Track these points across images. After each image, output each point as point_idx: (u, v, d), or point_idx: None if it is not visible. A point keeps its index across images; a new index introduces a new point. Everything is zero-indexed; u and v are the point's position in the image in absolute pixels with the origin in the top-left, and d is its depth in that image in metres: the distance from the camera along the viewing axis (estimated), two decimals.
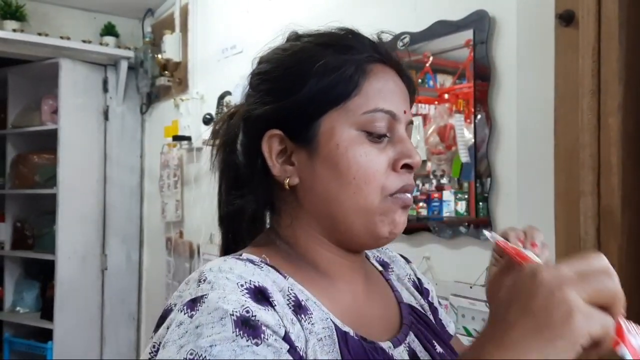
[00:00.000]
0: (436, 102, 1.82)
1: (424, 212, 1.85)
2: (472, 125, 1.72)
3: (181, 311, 0.60)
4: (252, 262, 0.67)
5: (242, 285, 0.62)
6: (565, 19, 1.38)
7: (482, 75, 1.70)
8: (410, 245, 1.92)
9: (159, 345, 0.61)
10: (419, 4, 1.93)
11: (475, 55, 1.71)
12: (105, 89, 3.77)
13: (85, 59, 3.67)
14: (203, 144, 3.15)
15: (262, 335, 0.58)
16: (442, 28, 1.81)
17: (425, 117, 1.85)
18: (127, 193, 3.87)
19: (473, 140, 1.71)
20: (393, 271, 0.90)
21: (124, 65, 3.72)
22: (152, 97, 3.83)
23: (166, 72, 3.50)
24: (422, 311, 0.86)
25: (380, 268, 0.88)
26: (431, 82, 1.84)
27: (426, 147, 1.84)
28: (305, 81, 0.72)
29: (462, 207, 1.75)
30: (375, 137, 0.72)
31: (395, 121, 0.73)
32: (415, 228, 1.88)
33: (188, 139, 3.24)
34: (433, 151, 1.83)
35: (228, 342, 0.56)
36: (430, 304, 0.91)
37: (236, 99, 2.46)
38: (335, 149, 0.71)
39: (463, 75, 1.75)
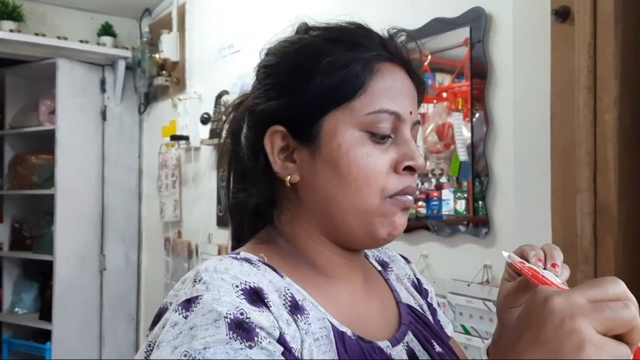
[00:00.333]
0: (435, 101, 1.82)
1: (423, 211, 1.85)
2: (470, 123, 1.72)
3: (176, 311, 0.60)
4: (248, 261, 0.67)
5: (237, 287, 0.61)
6: (561, 15, 1.38)
7: (479, 73, 1.70)
8: (408, 244, 1.91)
9: (155, 344, 0.60)
10: (415, 2, 1.92)
11: (473, 53, 1.70)
12: (103, 89, 3.77)
13: (83, 59, 3.67)
14: (201, 143, 3.15)
15: (256, 338, 0.58)
16: (439, 25, 1.81)
17: (423, 116, 1.85)
18: (125, 193, 3.87)
19: (470, 138, 1.71)
20: (392, 271, 0.90)
21: (121, 65, 3.72)
22: (149, 97, 3.84)
23: (164, 71, 3.50)
24: (421, 311, 0.86)
25: (379, 268, 0.88)
26: (430, 81, 1.84)
27: (425, 146, 1.84)
28: (311, 78, 0.71)
29: (461, 206, 1.74)
30: (378, 138, 0.71)
31: (400, 122, 0.72)
32: (414, 227, 1.88)
33: (186, 138, 3.24)
34: (432, 150, 1.83)
35: (221, 344, 0.56)
36: (430, 305, 0.90)
37: (234, 98, 2.46)
38: (336, 149, 0.70)
39: (462, 74, 1.74)
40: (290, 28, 0.78)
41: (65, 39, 3.53)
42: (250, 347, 0.57)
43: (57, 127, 3.56)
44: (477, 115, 1.70)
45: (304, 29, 0.77)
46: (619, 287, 0.50)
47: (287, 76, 0.74)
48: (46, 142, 3.68)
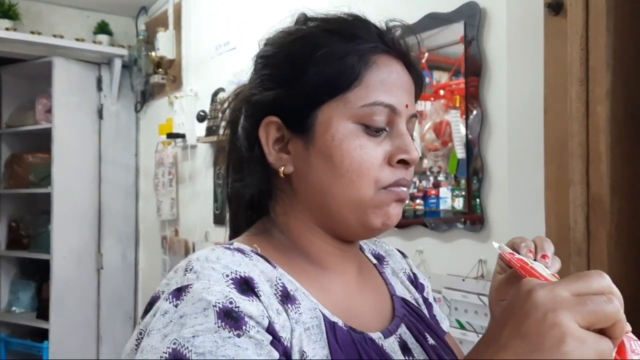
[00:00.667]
0: (432, 99, 1.82)
1: (421, 209, 1.85)
2: (465, 120, 1.72)
3: (167, 300, 0.61)
4: (241, 251, 0.67)
5: (227, 276, 0.61)
6: (554, 8, 1.38)
7: (475, 71, 1.70)
8: (403, 239, 1.91)
9: (145, 332, 0.61)
10: None
11: (469, 51, 1.71)
12: (100, 88, 3.77)
13: (79, 57, 3.67)
14: (197, 141, 3.15)
15: (244, 327, 0.58)
16: (433, 21, 1.81)
17: (421, 114, 1.85)
18: (122, 192, 3.87)
19: (465, 135, 1.71)
20: (388, 264, 0.90)
21: (117, 64, 3.72)
22: (146, 95, 3.84)
23: (160, 69, 3.50)
24: (416, 305, 0.86)
25: (374, 261, 0.88)
26: (427, 79, 1.84)
27: (422, 143, 1.84)
28: (306, 69, 0.71)
29: (459, 203, 1.74)
30: (372, 131, 0.71)
31: (395, 115, 0.72)
32: (410, 223, 1.88)
33: (182, 136, 3.24)
34: (429, 148, 1.83)
35: (210, 333, 0.57)
36: (425, 299, 0.90)
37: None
38: (330, 140, 0.70)
39: (458, 71, 1.75)
40: (290, 18, 0.78)
41: (61, 37, 3.54)
42: (239, 335, 0.57)
43: (54, 125, 3.56)
44: (474, 112, 1.70)
45: (303, 20, 0.77)
46: (604, 281, 0.50)
47: (283, 67, 0.74)
48: (43, 141, 3.69)
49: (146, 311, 0.64)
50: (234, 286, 0.61)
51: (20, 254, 3.88)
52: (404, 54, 0.75)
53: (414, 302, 0.86)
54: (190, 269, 0.62)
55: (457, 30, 1.74)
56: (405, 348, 0.74)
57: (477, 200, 1.69)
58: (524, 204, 1.53)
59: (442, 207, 1.79)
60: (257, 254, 0.69)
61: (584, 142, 1.25)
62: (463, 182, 1.74)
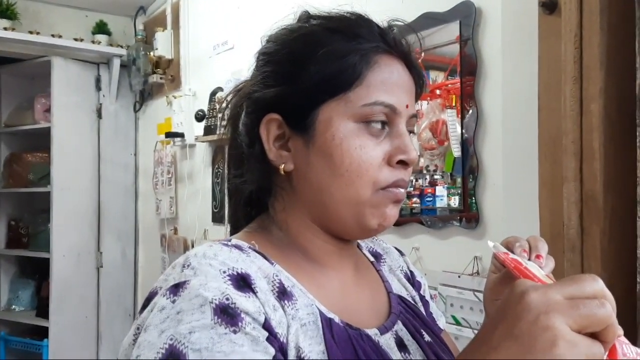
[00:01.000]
0: (428, 98, 1.83)
1: (417, 207, 1.86)
2: (460, 119, 1.73)
3: (164, 296, 0.61)
4: (238, 248, 0.67)
5: (224, 272, 0.62)
6: (548, 6, 1.38)
7: (470, 70, 1.71)
8: (399, 236, 1.93)
9: (143, 327, 0.61)
10: None
11: (464, 50, 1.72)
12: (98, 87, 3.77)
13: (78, 57, 3.67)
14: (196, 140, 3.16)
15: (240, 324, 0.59)
16: (429, 21, 1.82)
17: (417, 113, 1.86)
18: (121, 191, 3.87)
19: (461, 134, 1.73)
20: (385, 262, 0.90)
21: (116, 63, 3.72)
22: (144, 95, 3.84)
23: (158, 69, 3.51)
24: (413, 302, 0.86)
25: (371, 259, 0.88)
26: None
27: (419, 142, 1.85)
28: (308, 67, 0.71)
29: (455, 201, 1.75)
30: (373, 131, 0.71)
31: (395, 115, 0.72)
32: (407, 221, 1.89)
33: (181, 135, 3.25)
34: (426, 147, 1.84)
35: (206, 329, 0.57)
36: (422, 297, 0.91)
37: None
38: (330, 139, 0.70)
39: (454, 71, 1.76)
40: (292, 16, 0.78)
41: (60, 37, 3.54)
42: (235, 332, 0.58)
43: (53, 125, 3.56)
44: (470, 111, 1.71)
45: (305, 17, 0.77)
46: (597, 285, 0.51)
47: (284, 64, 0.74)
48: (41, 141, 3.69)
49: (144, 306, 0.65)
50: (230, 282, 0.61)
51: (20, 253, 3.88)
52: (405, 53, 0.75)
53: (410, 299, 0.86)
54: (188, 265, 0.63)
55: (452, 29, 1.75)
56: (401, 344, 0.75)
57: (473, 198, 1.71)
58: (519, 201, 1.54)
59: (438, 205, 1.80)
60: (255, 250, 0.69)
61: (577, 139, 1.26)
62: (459, 180, 1.75)
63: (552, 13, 1.39)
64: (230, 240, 0.70)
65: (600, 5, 1.24)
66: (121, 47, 3.74)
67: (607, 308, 0.49)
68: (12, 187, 3.88)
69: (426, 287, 0.95)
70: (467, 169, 1.72)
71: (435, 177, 1.82)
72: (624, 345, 0.51)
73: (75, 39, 3.58)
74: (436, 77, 1.82)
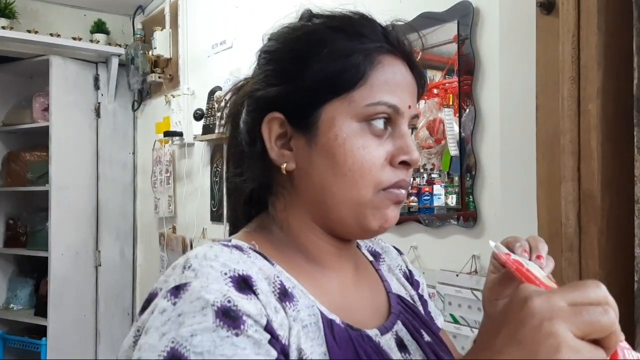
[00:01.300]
0: (426, 97, 1.84)
1: (415, 206, 1.87)
2: (458, 118, 1.74)
3: (165, 298, 0.61)
4: (239, 249, 0.67)
5: (225, 274, 0.61)
6: (546, 7, 1.38)
7: (467, 69, 1.72)
8: (397, 235, 1.93)
9: (143, 330, 0.61)
10: None
11: (462, 49, 1.72)
12: (97, 86, 3.77)
13: (76, 56, 3.67)
14: (194, 139, 3.16)
15: (242, 327, 0.58)
16: (427, 20, 1.83)
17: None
18: (119, 189, 3.88)
19: (458, 133, 1.73)
20: (384, 261, 0.90)
21: (114, 62, 3.72)
22: (143, 94, 3.84)
23: (157, 68, 3.51)
24: (412, 302, 0.86)
25: (370, 258, 0.88)
26: None
27: (416, 141, 1.86)
28: (311, 66, 0.71)
29: (452, 200, 1.76)
30: (375, 131, 0.71)
31: (398, 115, 0.72)
32: (404, 220, 1.90)
33: (179, 134, 3.25)
34: (423, 145, 1.85)
35: (208, 332, 0.57)
36: (420, 296, 0.91)
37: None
38: (333, 139, 0.70)
39: (452, 70, 1.76)
40: (295, 14, 0.78)
41: (58, 36, 3.53)
42: (237, 334, 0.57)
43: (51, 124, 3.56)
44: (467, 110, 1.72)
45: (308, 16, 0.77)
46: (600, 292, 0.50)
47: (287, 63, 0.73)
48: (40, 139, 3.69)
49: (144, 308, 0.64)
50: (232, 284, 0.61)
51: (18, 252, 3.88)
52: (407, 54, 0.75)
53: (409, 299, 0.86)
54: (189, 267, 0.62)
55: (450, 29, 1.76)
56: (401, 345, 0.75)
57: (470, 197, 1.71)
58: (516, 200, 1.55)
59: (435, 203, 1.81)
60: (255, 251, 0.69)
61: (575, 139, 1.26)
62: (456, 179, 1.76)
63: (549, 13, 1.39)
64: (230, 241, 0.69)
65: (597, 5, 1.24)
66: (119, 46, 3.75)
67: (610, 315, 0.49)
68: (10, 186, 3.87)
69: (424, 286, 0.95)
70: (464, 168, 1.73)
71: (433, 175, 1.82)
72: (625, 351, 0.51)
73: (74, 38, 3.58)
74: (434, 76, 1.83)
